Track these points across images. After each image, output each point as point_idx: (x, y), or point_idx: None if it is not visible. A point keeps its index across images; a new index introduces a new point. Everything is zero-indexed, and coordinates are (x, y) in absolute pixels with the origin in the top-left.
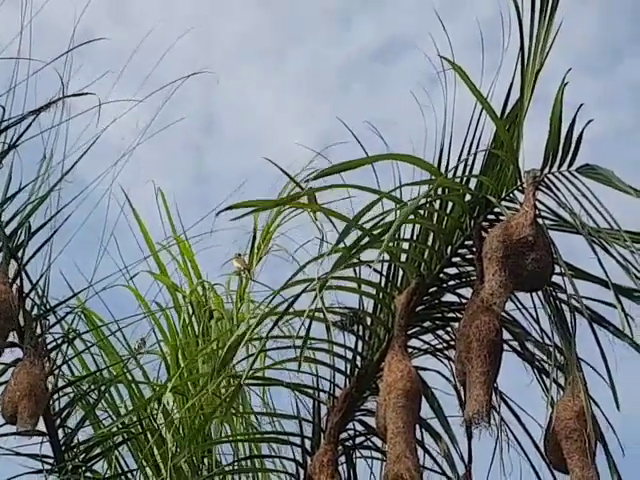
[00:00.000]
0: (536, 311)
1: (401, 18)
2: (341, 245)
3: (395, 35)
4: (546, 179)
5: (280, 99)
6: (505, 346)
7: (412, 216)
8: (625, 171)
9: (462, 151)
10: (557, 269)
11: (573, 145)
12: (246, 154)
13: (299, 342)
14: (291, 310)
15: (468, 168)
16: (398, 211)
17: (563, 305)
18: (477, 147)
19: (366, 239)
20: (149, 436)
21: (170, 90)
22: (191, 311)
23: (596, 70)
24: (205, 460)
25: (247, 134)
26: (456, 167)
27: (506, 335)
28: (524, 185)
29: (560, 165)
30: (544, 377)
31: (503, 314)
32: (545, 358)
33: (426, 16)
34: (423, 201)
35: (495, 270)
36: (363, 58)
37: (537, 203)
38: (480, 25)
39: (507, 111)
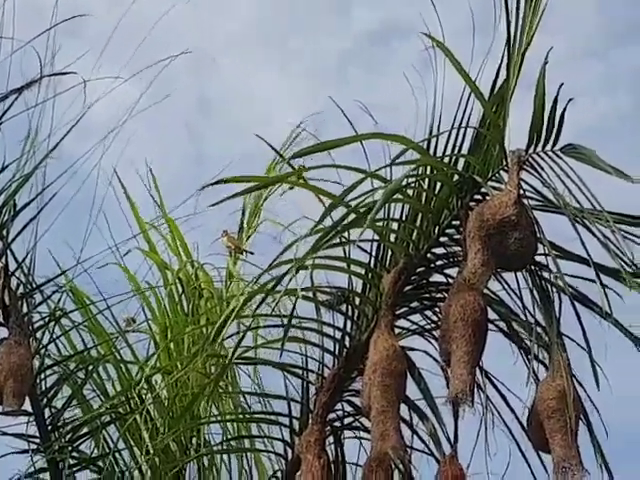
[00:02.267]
0: (520, 291)
1: (401, 1)
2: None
3: (396, 18)
4: (530, 159)
5: (279, 85)
6: (492, 326)
7: (400, 196)
8: (627, 156)
9: (451, 132)
10: (541, 249)
11: (556, 125)
12: (243, 138)
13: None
14: (280, 289)
15: (457, 148)
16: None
17: (549, 285)
18: (466, 128)
19: (351, 217)
20: (137, 416)
21: (164, 71)
22: (180, 290)
23: (598, 55)
24: (193, 440)
25: (244, 119)
26: (445, 147)
27: (493, 315)
28: (509, 165)
29: (544, 145)
30: (530, 358)
31: (489, 294)
32: (531, 338)
33: None
34: (411, 180)
35: (478, 249)
36: (363, 43)
37: (522, 183)
38: (478, 7)
39: (495, 92)
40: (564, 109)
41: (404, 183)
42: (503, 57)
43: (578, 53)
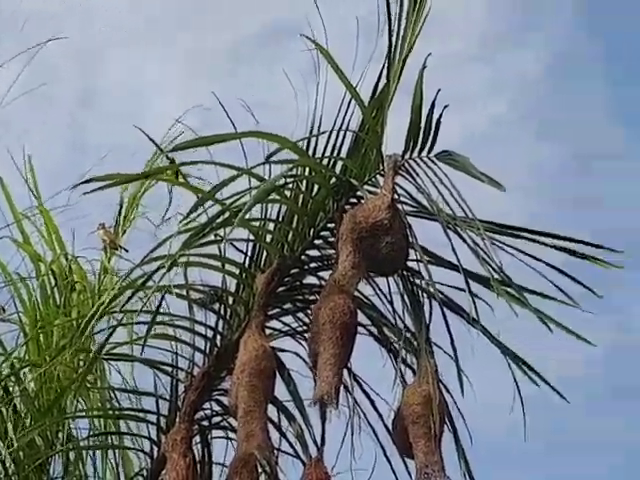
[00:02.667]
0: (391, 296)
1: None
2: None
3: (287, 19)
4: (406, 164)
5: (165, 79)
6: (362, 330)
7: (277, 197)
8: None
9: (331, 134)
10: (414, 255)
11: (432, 131)
12: (127, 131)
13: (162, 318)
14: (152, 285)
15: (336, 151)
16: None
17: (420, 291)
18: (346, 131)
19: (225, 215)
20: (2, 408)
21: (50, 61)
22: (53, 283)
23: (484, 59)
24: (60, 434)
25: (129, 112)
26: (324, 149)
27: (364, 319)
28: (385, 169)
29: (420, 151)
30: (399, 362)
31: (360, 298)
32: (400, 343)
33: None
34: (289, 181)
35: (349, 251)
36: (253, 42)
37: (397, 188)
38: (370, 11)
39: (376, 96)
40: (440, 115)
41: (281, 183)
42: (388, 60)
43: (466, 57)
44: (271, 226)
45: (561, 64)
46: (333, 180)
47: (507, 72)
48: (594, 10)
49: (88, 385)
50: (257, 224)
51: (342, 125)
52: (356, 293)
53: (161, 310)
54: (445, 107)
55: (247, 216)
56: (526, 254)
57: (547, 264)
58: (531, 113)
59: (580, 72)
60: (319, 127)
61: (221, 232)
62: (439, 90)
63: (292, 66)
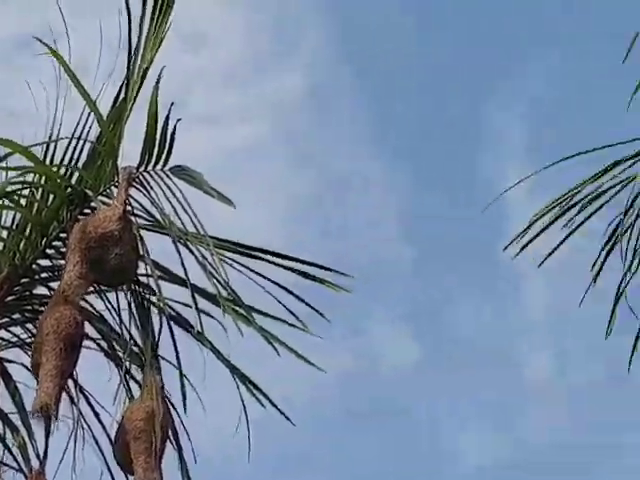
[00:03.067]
0: (120, 310)
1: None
2: None
3: (46, 25)
4: (141, 177)
5: None
6: (92, 344)
7: (10, 203)
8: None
9: (69, 144)
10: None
11: (167, 145)
12: None
13: None
14: None
15: (74, 161)
16: None
17: (150, 305)
18: (85, 141)
19: None
20: None
21: None
22: None
23: (239, 82)
24: None
25: None
26: (62, 158)
27: (94, 332)
28: (119, 181)
29: (155, 164)
30: (124, 375)
31: (91, 310)
32: (126, 357)
33: (79, 9)
34: (23, 187)
35: (76, 261)
36: (6, 47)
37: (133, 201)
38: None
39: (115, 108)
40: (174, 129)
41: (15, 189)
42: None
43: (222, 79)
44: (4, 234)
45: (318, 90)
46: (69, 190)
47: (260, 94)
48: (348, 36)
49: None
50: None
51: (81, 135)
52: (88, 306)
53: None
54: (178, 120)
55: None
56: (262, 276)
57: (279, 285)
58: (288, 137)
59: (335, 97)
60: (58, 135)
61: None
62: (172, 104)
63: (43, 74)
